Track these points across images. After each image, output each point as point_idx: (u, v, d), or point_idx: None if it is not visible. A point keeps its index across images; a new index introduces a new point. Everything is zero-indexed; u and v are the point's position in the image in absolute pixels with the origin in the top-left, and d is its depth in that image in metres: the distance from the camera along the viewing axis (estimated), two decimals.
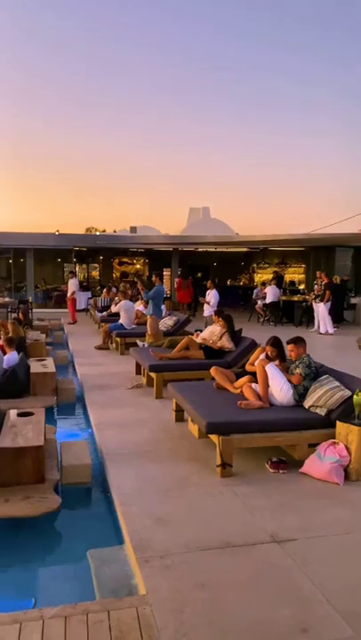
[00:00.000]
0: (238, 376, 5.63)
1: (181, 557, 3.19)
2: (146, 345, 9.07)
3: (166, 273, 22.09)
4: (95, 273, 26.00)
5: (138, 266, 27.35)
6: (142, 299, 11.18)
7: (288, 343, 5.35)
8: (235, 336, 7.46)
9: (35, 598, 3.12)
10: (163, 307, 11.63)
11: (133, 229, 25.08)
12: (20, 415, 4.98)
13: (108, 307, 14.21)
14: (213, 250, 23.89)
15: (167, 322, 10.55)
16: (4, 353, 7.34)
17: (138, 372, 8.34)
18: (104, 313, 13.77)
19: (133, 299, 13.17)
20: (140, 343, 9.47)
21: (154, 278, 10.08)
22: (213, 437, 4.57)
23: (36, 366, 7.49)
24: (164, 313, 11.17)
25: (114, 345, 11.01)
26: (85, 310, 18.11)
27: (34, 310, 15.76)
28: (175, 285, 19.09)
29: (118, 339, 10.59)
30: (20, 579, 3.46)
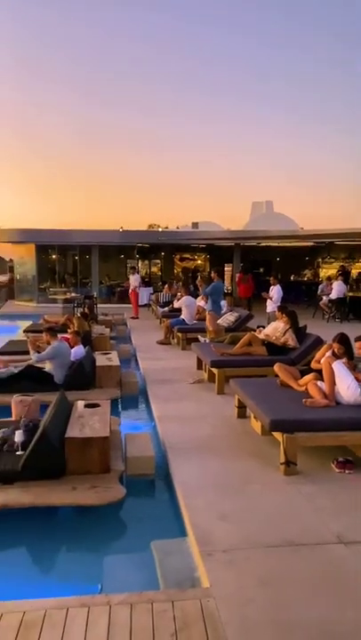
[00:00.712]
0: (303, 373, 5.52)
1: (244, 553, 3.18)
2: (207, 340, 9.08)
3: (228, 268, 21.99)
4: (156, 269, 26.29)
5: (199, 261, 27.40)
6: (202, 294, 11.18)
7: (356, 340, 5.18)
8: (299, 333, 7.31)
9: (101, 584, 3.22)
10: (223, 303, 11.60)
11: (195, 225, 25.12)
12: (87, 406, 5.13)
13: (170, 302, 14.34)
14: (276, 245, 23.50)
15: (229, 318, 10.50)
16: (72, 346, 7.60)
17: (199, 367, 8.37)
18: (166, 308, 13.91)
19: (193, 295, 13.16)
20: (201, 339, 9.49)
21: (213, 274, 10.05)
22: (277, 435, 4.51)
23: (101, 359, 7.69)
24: (225, 309, 11.13)
25: (175, 340, 11.10)
26: (147, 305, 18.36)
27: (98, 305, 16.18)
28: (236, 280, 19.01)
29: (180, 334, 10.66)
30: (87, 564, 3.58)
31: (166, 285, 16.97)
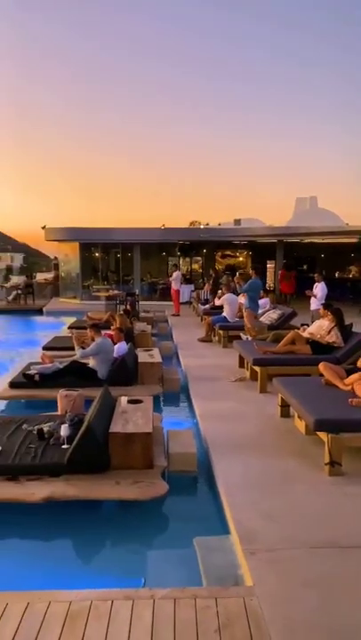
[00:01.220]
0: (348, 373, 5.39)
1: (288, 553, 3.15)
2: (249, 338, 9.02)
3: (270, 265, 21.73)
4: (197, 266, 26.26)
5: (241, 258, 27.21)
6: (240, 292, 11.10)
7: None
8: (344, 331, 7.15)
9: (144, 578, 3.26)
10: (266, 300, 11.49)
11: (237, 222, 24.92)
12: (130, 402, 5.18)
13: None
14: (321, 241, 23.04)
15: (271, 315, 10.40)
16: (115, 343, 7.70)
17: (241, 365, 8.32)
18: (207, 306, 13.89)
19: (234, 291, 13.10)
20: (243, 336, 9.43)
21: (251, 271, 9.97)
22: (322, 435, 4.44)
23: (143, 356, 7.76)
24: (268, 306, 11.02)
25: (217, 338, 11.07)
26: (188, 303, 18.39)
27: (140, 302, 16.32)
28: (278, 277, 18.81)
29: (221, 331, 10.63)
30: (130, 558, 3.63)
31: (207, 283, 16.96)
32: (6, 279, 24.73)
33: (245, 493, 3.96)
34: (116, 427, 4.48)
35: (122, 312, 11.57)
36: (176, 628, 2.46)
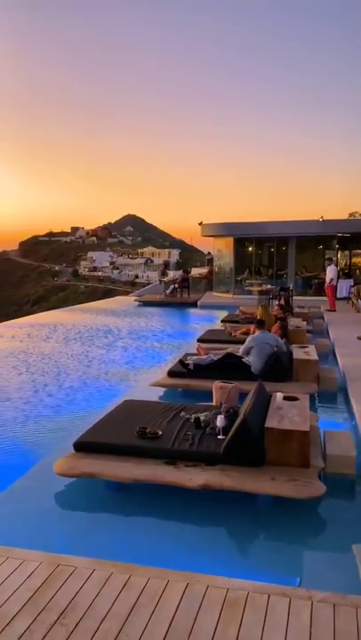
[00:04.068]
0: None
1: None
2: None
3: None
4: (358, 260, 24.76)
5: None
6: None
7: None
8: None
9: (300, 577, 3.20)
10: None
11: None
12: (285, 399, 5.11)
13: None
14: None
15: None
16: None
17: None
18: None
19: None
20: None
21: None
22: None
23: (298, 353, 7.58)
24: None
25: None
26: (347, 298, 17.48)
27: (294, 297, 15.95)
28: None
29: None
30: (284, 555, 3.59)
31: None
32: (163, 274, 26.03)
33: None
34: (272, 422, 4.45)
35: (276, 307, 11.45)
36: (336, 635, 2.37)
